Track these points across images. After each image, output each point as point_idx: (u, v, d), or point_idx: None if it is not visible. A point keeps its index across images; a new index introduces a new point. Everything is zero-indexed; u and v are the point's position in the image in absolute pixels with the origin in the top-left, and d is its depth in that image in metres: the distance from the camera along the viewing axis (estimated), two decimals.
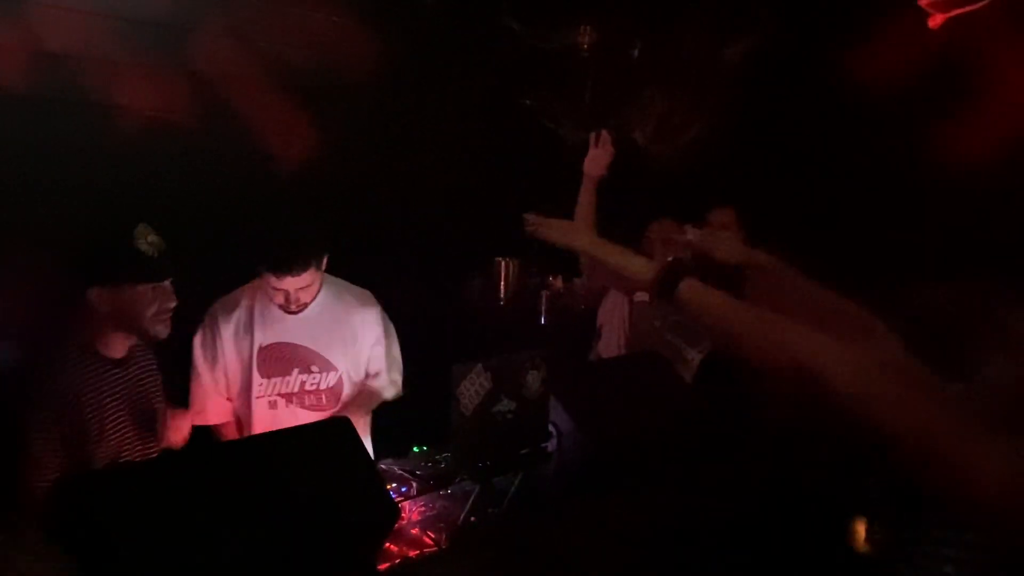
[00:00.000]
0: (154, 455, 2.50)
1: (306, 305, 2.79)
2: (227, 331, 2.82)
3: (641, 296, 3.58)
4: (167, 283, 2.35)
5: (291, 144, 3.77)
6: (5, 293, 2.50)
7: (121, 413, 2.37)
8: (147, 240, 2.28)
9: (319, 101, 3.88)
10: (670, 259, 1.69)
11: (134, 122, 3.36)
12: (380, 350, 3.02)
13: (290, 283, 2.68)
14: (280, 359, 2.83)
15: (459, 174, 4.41)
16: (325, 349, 2.87)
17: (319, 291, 2.83)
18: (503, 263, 4.50)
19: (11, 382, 2.26)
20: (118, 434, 2.37)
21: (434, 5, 4.22)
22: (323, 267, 2.79)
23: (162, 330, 2.36)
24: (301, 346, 2.84)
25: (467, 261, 4.54)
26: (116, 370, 2.38)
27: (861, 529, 2.43)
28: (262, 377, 2.83)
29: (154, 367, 2.58)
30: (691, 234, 2.58)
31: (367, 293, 3.04)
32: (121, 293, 2.27)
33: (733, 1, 4.35)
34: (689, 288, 1.63)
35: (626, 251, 1.86)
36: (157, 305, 2.32)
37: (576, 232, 1.93)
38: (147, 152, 3.34)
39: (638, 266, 1.73)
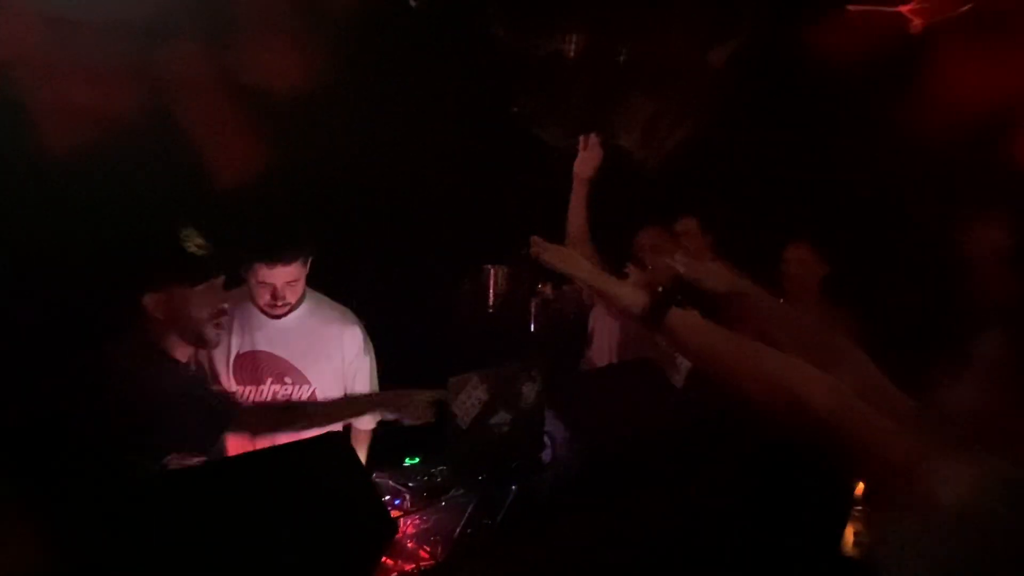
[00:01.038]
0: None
1: (290, 306, 2.77)
2: None
3: (680, 260, 3.55)
4: (218, 281, 2.41)
5: (273, 151, 3.74)
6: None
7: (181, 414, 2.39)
8: (194, 243, 2.35)
9: (303, 108, 3.85)
10: (660, 289, 1.72)
11: (120, 124, 3.33)
12: (363, 370, 2.99)
13: (279, 274, 2.67)
14: (255, 368, 2.83)
15: (446, 181, 4.40)
16: (300, 361, 2.86)
17: (302, 297, 2.81)
18: (492, 270, 4.49)
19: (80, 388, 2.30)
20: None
21: (419, 11, 4.20)
22: (308, 267, 2.77)
23: (215, 335, 2.42)
24: (277, 356, 2.83)
25: (456, 268, 4.53)
26: (182, 372, 2.44)
27: (850, 533, 2.45)
28: (236, 384, 2.83)
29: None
30: (680, 263, 2.54)
31: (347, 310, 3.02)
32: (174, 297, 2.32)
33: (719, 8, 4.37)
34: (676, 318, 1.66)
35: (619, 281, 1.90)
36: (210, 307, 2.37)
37: (575, 261, 1.96)
38: (147, 154, 3.31)
39: (630, 297, 1.76)
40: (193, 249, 2.34)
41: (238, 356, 2.81)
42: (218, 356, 2.81)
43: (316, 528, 1.81)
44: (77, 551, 1.55)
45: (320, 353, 2.88)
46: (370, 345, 3.04)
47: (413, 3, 4.14)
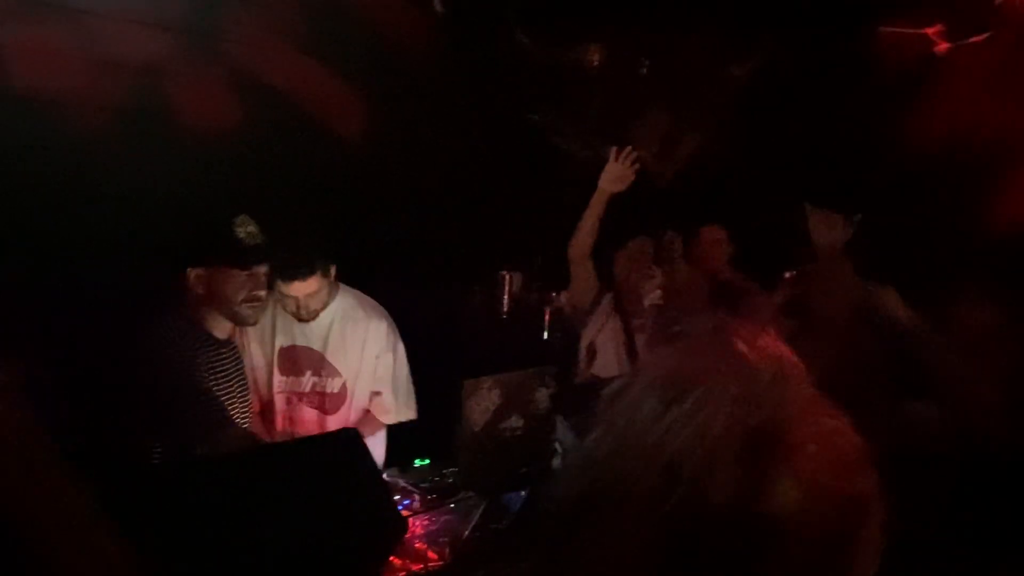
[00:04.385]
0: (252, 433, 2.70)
1: (317, 312, 2.91)
2: (253, 332, 2.96)
3: (654, 299, 3.55)
4: (260, 270, 2.54)
5: (295, 158, 3.78)
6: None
7: (222, 390, 2.54)
8: (246, 230, 2.48)
9: (324, 114, 3.88)
10: None
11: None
12: (386, 364, 3.07)
13: (298, 288, 2.80)
14: (295, 361, 3.00)
15: (464, 187, 4.42)
16: (332, 355, 3.00)
17: (331, 299, 2.95)
18: (507, 276, 4.50)
19: (117, 352, 2.46)
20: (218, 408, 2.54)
21: (444, 20, 4.23)
22: (332, 276, 2.91)
23: (252, 315, 2.56)
24: (313, 350, 2.99)
25: (470, 274, 4.54)
26: (221, 349, 2.57)
27: None
28: (281, 375, 3.01)
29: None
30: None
31: (377, 307, 3.12)
32: (216, 275, 2.47)
33: (740, 21, 4.39)
34: None
35: None
36: (247, 291, 2.50)
37: None
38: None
39: None
40: (244, 236, 2.47)
41: (282, 349, 3.00)
42: (264, 349, 3.00)
43: (326, 524, 1.82)
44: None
45: (349, 348, 3.01)
46: (397, 340, 3.12)
47: (439, 9, 4.17)
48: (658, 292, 3.51)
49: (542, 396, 2.38)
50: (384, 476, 2.64)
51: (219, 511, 1.70)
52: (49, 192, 3.01)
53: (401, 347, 3.12)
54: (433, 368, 3.49)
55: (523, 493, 2.45)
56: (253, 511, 1.75)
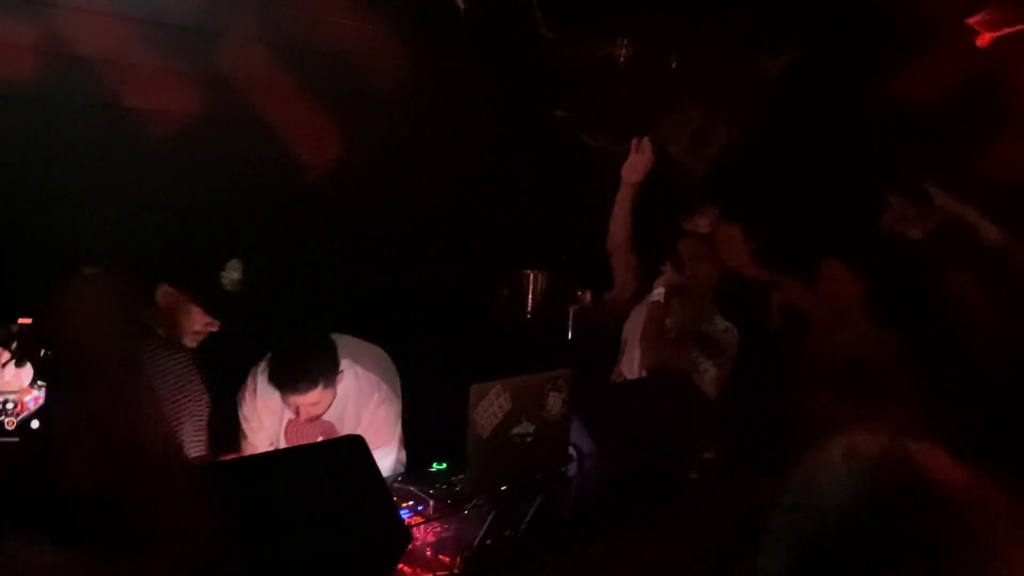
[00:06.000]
0: (199, 442, 2.67)
1: (318, 417, 2.75)
2: (263, 396, 2.85)
3: (657, 296, 3.55)
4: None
5: (324, 148, 3.77)
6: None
7: (170, 394, 2.56)
8: (230, 277, 2.63)
9: (349, 110, 3.87)
10: None
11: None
12: (381, 416, 2.94)
13: (297, 399, 2.65)
14: (303, 433, 2.86)
15: (489, 184, 4.37)
16: (339, 423, 2.88)
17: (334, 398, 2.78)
18: (531, 275, 4.44)
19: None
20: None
21: (468, 15, 4.18)
22: (335, 386, 2.72)
23: (193, 343, 2.65)
24: (327, 421, 2.85)
25: (495, 272, 4.49)
26: (176, 355, 2.60)
27: None
28: (288, 444, 2.89)
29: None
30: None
31: (381, 357, 3.04)
32: (182, 301, 2.59)
33: (770, 14, 4.28)
34: None
35: None
36: (201, 326, 2.63)
37: None
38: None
39: None
40: (225, 281, 2.59)
41: (290, 422, 2.86)
42: (273, 419, 2.89)
43: (330, 534, 1.79)
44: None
45: (354, 415, 2.89)
46: (392, 397, 2.99)
47: (462, 6, 4.12)
48: (661, 290, 3.49)
49: (555, 400, 2.32)
50: (396, 482, 2.62)
51: (222, 517, 1.68)
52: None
53: (394, 400, 3.01)
54: (457, 368, 3.47)
55: (537, 500, 2.40)
56: (255, 519, 1.73)
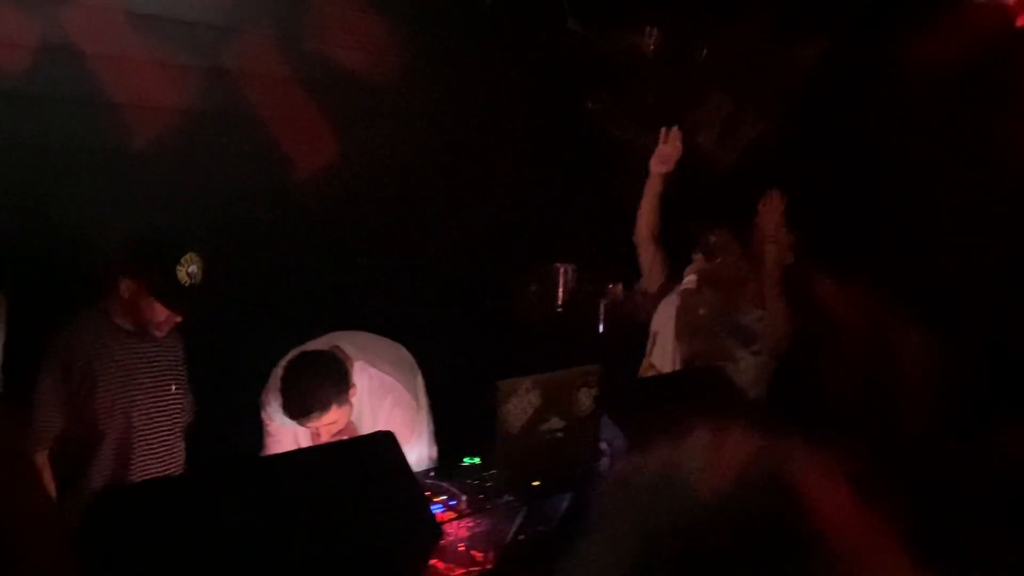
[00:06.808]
0: (164, 433, 2.79)
1: (337, 435, 2.74)
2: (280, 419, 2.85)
3: (688, 283, 3.52)
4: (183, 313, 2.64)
5: (343, 136, 3.76)
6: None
7: (131, 384, 2.67)
8: (187, 271, 2.54)
9: (372, 99, 3.87)
10: None
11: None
12: (397, 418, 2.89)
13: (313, 423, 2.66)
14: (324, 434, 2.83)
15: (518, 177, 4.36)
16: (358, 422, 2.87)
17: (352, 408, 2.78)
18: (561, 269, 4.42)
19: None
20: (126, 400, 2.66)
21: (495, 8, 4.17)
22: (350, 399, 2.72)
23: (159, 334, 2.69)
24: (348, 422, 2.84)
25: (525, 265, 4.47)
26: (131, 342, 2.68)
27: None
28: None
29: (177, 349, 2.85)
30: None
31: (398, 357, 3.03)
32: (143, 294, 2.60)
33: (800, 4, 4.21)
34: None
35: None
36: (164, 319, 2.64)
37: None
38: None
39: None
40: (183, 276, 2.53)
41: (313, 436, 2.81)
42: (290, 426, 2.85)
43: (360, 531, 1.79)
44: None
45: (369, 416, 2.89)
46: (408, 399, 2.97)
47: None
48: (692, 277, 3.45)
49: (585, 396, 2.30)
50: (428, 477, 2.62)
51: (249, 517, 1.69)
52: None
53: (408, 400, 2.99)
54: (488, 362, 3.47)
55: (569, 495, 2.39)
56: (285, 516, 1.73)
